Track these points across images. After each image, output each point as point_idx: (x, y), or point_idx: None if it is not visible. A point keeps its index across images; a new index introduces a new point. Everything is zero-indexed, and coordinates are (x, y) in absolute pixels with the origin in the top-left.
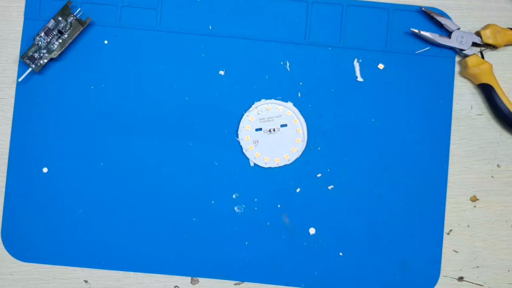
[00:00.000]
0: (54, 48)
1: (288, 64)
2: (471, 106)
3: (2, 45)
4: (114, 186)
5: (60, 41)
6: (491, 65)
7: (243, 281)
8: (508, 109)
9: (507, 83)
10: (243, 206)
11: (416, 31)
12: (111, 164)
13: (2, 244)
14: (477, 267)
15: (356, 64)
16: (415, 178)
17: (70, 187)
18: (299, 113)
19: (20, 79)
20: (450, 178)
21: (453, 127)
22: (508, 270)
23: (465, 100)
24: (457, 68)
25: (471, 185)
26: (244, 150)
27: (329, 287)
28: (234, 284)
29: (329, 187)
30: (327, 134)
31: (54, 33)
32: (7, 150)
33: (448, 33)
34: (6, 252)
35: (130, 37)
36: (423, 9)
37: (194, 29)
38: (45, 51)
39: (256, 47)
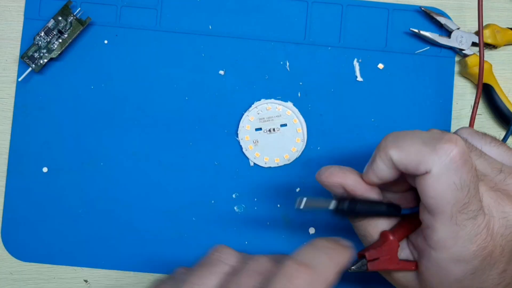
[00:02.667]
0: (54, 48)
1: (288, 64)
2: (471, 106)
3: (2, 44)
4: (114, 186)
5: (60, 40)
6: (491, 65)
7: None
8: (508, 109)
9: (507, 83)
10: (243, 205)
11: (416, 30)
12: (111, 164)
13: (2, 244)
14: None
15: (356, 64)
16: None
17: (70, 187)
18: (298, 112)
19: (20, 79)
20: None
21: (453, 127)
22: None
23: (465, 100)
24: (457, 68)
25: None
26: (244, 150)
27: None
28: None
29: None
30: (326, 133)
31: (54, 32)
32: (7, 150)
33: (448, 33)
34: (6, 252)
35: (130, 37)
36: (422, 8)
37: (194, 29)
38: (45, 50)
39: (256, 47)
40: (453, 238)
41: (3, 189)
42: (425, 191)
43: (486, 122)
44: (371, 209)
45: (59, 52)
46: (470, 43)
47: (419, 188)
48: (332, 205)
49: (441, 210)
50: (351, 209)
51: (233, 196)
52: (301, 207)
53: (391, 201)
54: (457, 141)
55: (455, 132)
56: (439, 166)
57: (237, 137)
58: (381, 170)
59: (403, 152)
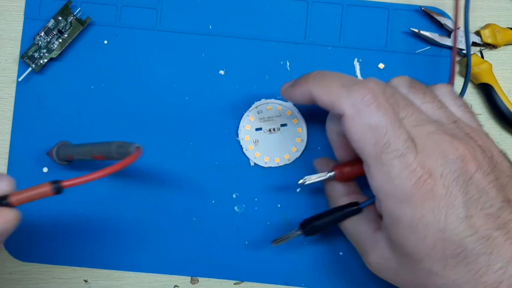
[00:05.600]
0: (54, 48)
1: (288, 63)
2: (471, 106)
3: (2, 44)
4: (113, 186)
5: (60, 40)
6: (491, 65)
7: (243, 280)
8: (508, 109)
9: (507, 83)
10: (243, 205)
11: (416, 30)
12: (111, 164)
13: (2, 244)
14: None
15: (356, 64)
16: None
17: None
18: (299, 112)
19: (20, 79)
20: None
21: None
22: None
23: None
24: (457, 68)
25: None
26: (244, 150)
27: (329, 287)
28: (234, 284)
29: None
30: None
31: (54, 32)
32: (7, 150)
33: (448, 33)
34: (6, 252)
35: (130, 36)
36: (423, 8)
37: (194, 29)
38: (45, 50)
39: (256, 47)
40: (387, 179)
41: None
42: (347, 134)
43: (486, 122)
44: (331, 219)
45: (59, 52)
46: (470, 43)
47: (345, 134)
48: (299, 232)
49: (366, 152)
50: (314, 228)
51: (233, 196)
52: (275, 244)
53: (344, 203)
54: (372, 86)
55: (393, 80)
56: (351, 108)
57: (237, 137)
58: (297, 97)
59: (321, 90)
